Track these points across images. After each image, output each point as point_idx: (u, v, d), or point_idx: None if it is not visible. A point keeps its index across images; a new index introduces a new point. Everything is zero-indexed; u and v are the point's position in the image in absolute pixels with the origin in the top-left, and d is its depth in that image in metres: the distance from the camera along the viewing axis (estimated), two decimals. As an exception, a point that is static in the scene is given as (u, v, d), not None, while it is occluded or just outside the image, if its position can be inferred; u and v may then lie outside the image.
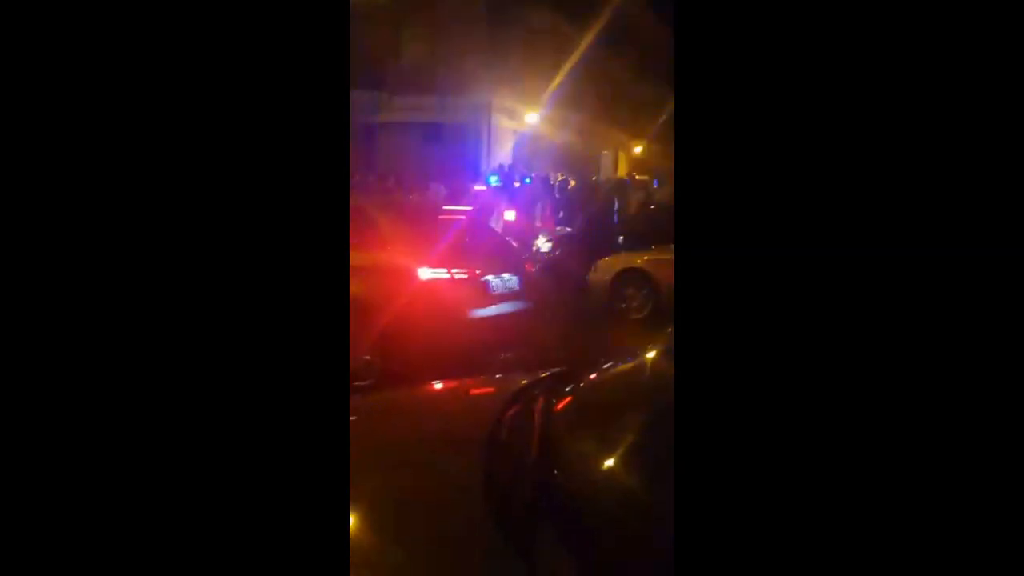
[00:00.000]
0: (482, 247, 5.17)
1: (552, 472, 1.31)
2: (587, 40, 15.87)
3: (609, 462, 1.33)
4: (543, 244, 10.37)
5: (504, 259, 5.17)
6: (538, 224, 11.39)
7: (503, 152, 16.88)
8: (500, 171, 13.31)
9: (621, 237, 9.22)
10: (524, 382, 2.02)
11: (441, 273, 4.55)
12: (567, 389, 1.76)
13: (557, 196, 12.71)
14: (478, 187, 12.09)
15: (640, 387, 1.63)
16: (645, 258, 7.57)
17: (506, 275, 4.96)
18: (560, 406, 1.66)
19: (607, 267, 7.89)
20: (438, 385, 2.26)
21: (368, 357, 4.54)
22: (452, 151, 16.75)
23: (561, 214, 11.76)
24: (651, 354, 1.71)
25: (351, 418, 2.06)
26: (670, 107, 16.72)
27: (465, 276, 4.65)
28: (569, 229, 10.53)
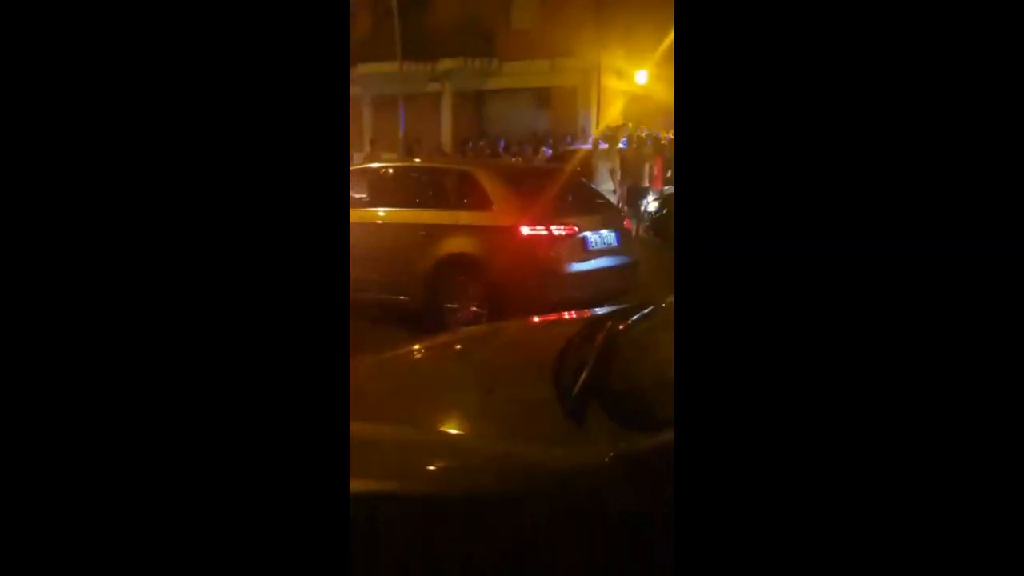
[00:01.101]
0: (581, 206, 5.45)
1: (606, 371, 1.67)
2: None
3: (651, 370, 1.74)
4: (651, 204, 10.46)
5: (603, 216, 5.43)
6: (646, 184, 11.42)
7: (613, 112, 16.85)
8: (608, 131, 13.39)
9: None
10: (602, 313, 2.42)
11: (540, 231, 4.88)
12: (635, 317, 2.10)
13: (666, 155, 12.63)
14: (583, 147, 12.23)
15: None
16: None
17: (604, 231, 5.24)
18: (623, 327, 2.01)
19: None
20: (536, 319, 2.75)
21: (476, 308, 4.97)
22: (562, 113, 16.95)
23: (669, 173, 11.71)
24: None
25: (456, 347, 2.58)
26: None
27: (564, 233, 4.96)
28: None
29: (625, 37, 16.01)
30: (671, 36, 15.99)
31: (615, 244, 5.28)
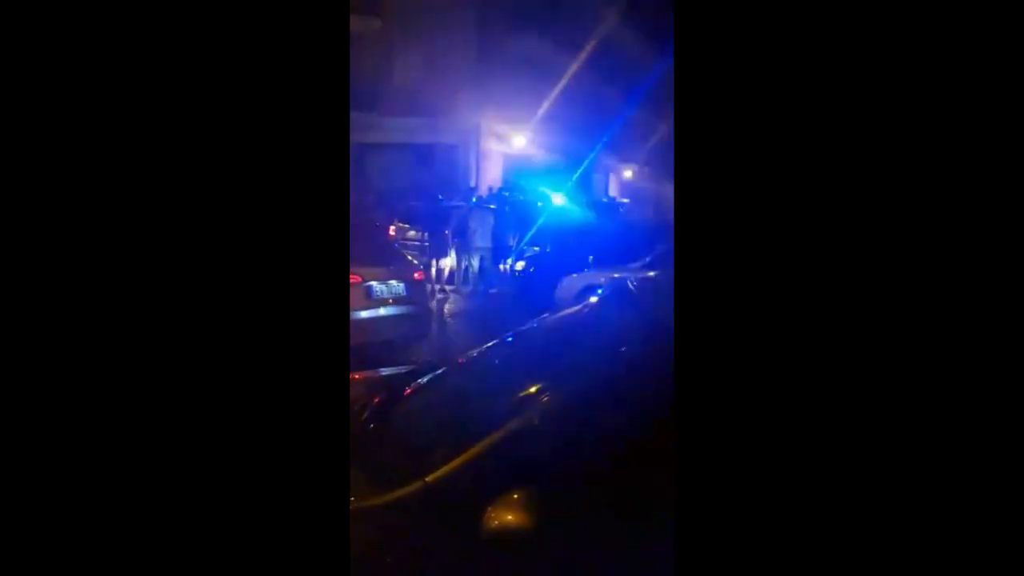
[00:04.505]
0: (373, 257, 5.59)
1: (374, 434, 1.89)
2: (575, 67, 16.33)
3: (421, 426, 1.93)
4: (519, 264, 10.79)
5: (394, 268, 5.59)
6: (511, 243, 11.74)
7: (492, 174, 17.33)
8: (491, 193, 13.77)
9: (591, 256, 9.57)
10: (394, 373, 2.61)
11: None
12: (415, 383, 2.28)
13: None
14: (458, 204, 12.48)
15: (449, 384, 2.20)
16: (612, 275, 7.70)
17: (393, 282, 5.38)
18: (407, 392, 2.23)
19: (571, 285, 8.22)
20: None
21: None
22: (441, 172, 17.27)
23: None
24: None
25: None
26: (660, 132, 17.12)
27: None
28: (549, 249, 10.89)
29: (505, 103, 16.62)
30: (547, 105, 16.75)
31: (403, 294, 5.43)
